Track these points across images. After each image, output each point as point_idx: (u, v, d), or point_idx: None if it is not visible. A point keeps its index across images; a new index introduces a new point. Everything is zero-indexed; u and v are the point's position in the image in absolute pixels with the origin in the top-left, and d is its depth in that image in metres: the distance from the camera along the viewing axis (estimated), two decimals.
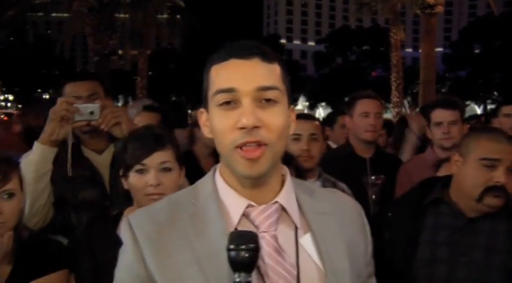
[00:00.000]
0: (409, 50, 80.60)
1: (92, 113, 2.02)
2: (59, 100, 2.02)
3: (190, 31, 21.17)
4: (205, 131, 1.10)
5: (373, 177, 2.68)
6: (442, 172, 2.25)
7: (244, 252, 0.89)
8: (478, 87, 38.37)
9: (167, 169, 1.68)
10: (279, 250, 1.01)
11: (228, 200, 1.05)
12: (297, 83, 57.39)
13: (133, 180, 1.68)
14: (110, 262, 1.09)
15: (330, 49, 50.34)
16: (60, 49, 19.49)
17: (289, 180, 1.11)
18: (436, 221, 1.84)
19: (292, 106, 1.09)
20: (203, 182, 1.11)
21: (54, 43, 19.98)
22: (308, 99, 55.20)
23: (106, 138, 2.21)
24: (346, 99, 3.18)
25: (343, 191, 2.40)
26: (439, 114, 2.73)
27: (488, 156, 1.75)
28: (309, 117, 2.46)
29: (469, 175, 1.78)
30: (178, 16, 21.13)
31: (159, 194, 1.62)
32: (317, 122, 2.44)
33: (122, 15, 20.07)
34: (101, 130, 2.09)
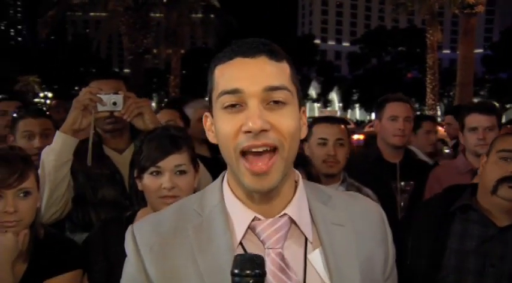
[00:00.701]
0: (447, 51, 78.58)
1: (114, 103, 2.02)
2: (83, 90, 2.04)
3: (225, 30, 21.30)
4: (210, 136, 1.03)
5: (402, 183, 2.57)
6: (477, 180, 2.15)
7: (250, 278, 0.83)
8: None
9: (182, 172, 1.65)
10: (284, 269, 0.95)
11: (234, 212, 0.99)
12: (331, 84, 56.96)
13: (147, 182, 1.66)
14: (123, 263, 1.06)
15: (365, 50, 49.65)
16: (97, 48, 19.93)
17: (301, 187, 1.03)
18: (464, 229, 1.77)
19: (303, 108, 1.02)
20: (211, 190, 1.04)
21: (91, 42, 20.48)
22: (342, 100, 54.62)
23: (127, 138, 2.22)
24: None
25: (369, 196, 2.33)
26: (475, 119, 2.59)
27: (505, 148, 1.73)
28: (335, 121, 2.40)
29: (488, 170, 1.76)
30: (212, 15, 21.23)
31: (173, 197, 1.59)
32: (343, 126, 2.38)
33: (157, 15, 20.37)
34: (122, 121, 2.09)
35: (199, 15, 21.57)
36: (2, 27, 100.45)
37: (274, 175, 0.92)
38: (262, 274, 0.84)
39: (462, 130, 2.66)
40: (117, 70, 48.55)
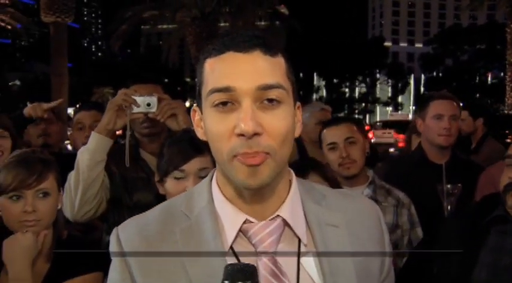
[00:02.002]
0: None
1: (149, 104, 2.05)
2: (119, 91, 2.08)
3: (291, 36, 21.35)
4: (199, 133, 0.98)
5: (449, 186, 2.38)
6: None
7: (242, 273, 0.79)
8: None
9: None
10: (277, 274, 0.90)
11: (224, 214, 0.94)
12: (402, 87, 55.16)
13: (170, 185, 1.65)
14: None
15: (439, 50, 47.51)
16: (166, 58, 20.74)
17: (294, 187, 0.98)
18: (500, 242, 1.58)
19: (298, 104, 0.96)
20: (199, 190, 1.00)
21: (162, 53, 21.38)
22: (414, 104, 52.71)
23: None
24: None
25: (398, 200, 2.24)
26: None
27: (509, 153, 1.61)
28: (340, 121, 2.33)
29: (502, 179, 1.63)
30: (277, 22, 21.36)
31: None
32: (351, 123, 2.31)
33: (222, 24, 20.82)
34: (159, 125, 2.13)
35: (266, 22, 21.80)
36: (85, 44, 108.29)
37: (266, 170, 0.87)
38: None
39: None
40: (188, 79, 50.22)
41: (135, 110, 2.04)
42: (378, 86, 55.23)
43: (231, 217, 0.93)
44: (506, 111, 18.14)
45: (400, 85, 54.33)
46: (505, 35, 18.26)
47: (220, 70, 0.88)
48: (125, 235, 0.96)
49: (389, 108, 57.01)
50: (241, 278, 0.79)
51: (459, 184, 2.38)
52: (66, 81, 13.94)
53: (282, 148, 0.89)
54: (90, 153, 2.00)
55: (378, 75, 53.60)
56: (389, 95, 55.68)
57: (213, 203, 0.95)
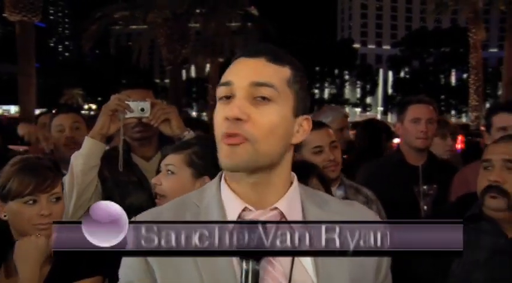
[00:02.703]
0: (494, 49, 75.51)
1: (142, 109, 2.08)
2: (112, 96, 2.11)
3: (264, 38, 21.39)
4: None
5: (425, 187, 2.48)
6: None
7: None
8: None
9: (171, 173, 1.72)
10: (269, 259, 0.97)
11: (227, 202, 1.04)
12: (371, 88, 56.06)
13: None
14: None
15: (406, 52, 48.55)
16: (137, 59, 20.48)
17: (294, 187, 1.06)
18: (475, 239, 1.68)
19: (306, 116, 1.05)
20: (209, 185, 1.10)
21: (133, 54, 21.07)
22: (382, 105, 53.62)
23: (155, 146, 2.27)
24: None
25: (367, 197, 2.31)
26: (503, 119, 2.46)
27: (485, 157, 1.72)
28: (322, 126, 2.35)
29: (478, 181, 1.74)
30: (249, 24, 21.35)
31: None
32: (330, 130, 2.35)
33: (194, 25, 20.67)
34: (151, 129, 2.17)
35: (237, 23, 21.74)
36: (52, 44, 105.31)
37: (243, 153, 0.96)
38: None
39: (489, 130, 2.52)
40: (158, 80, 49.59)
41: (129, 115, 2.07)
42: (347, 87, 55.90)
43: (232, 205, 1.02)
44: (470, 112, 18.77)
45: (368, 86, 55.13)
46: (467, 39, 18.89)
47: (229, 69, 1.03)
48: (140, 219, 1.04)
49: (358, 109, 57.93)
50: None
51: (435, 186, 2.47)
52: (33, 82, 13.55)
53: (265, 141, 0.97)
54: (84, 158, 2.02)
55: (347, 77, 54.24)
56: (358, 96, 56.40)
57: (220, 193, 1.05)
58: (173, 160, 1.71)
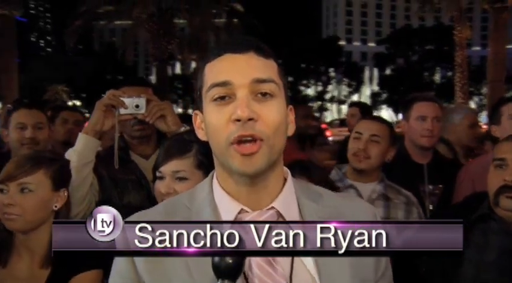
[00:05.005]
0: (477, 48, 76.61)
1: (137, 106, 2.04)
2: (107, 92, 2.07)
3: (249, 34, 21.40)
4: (201, 134, 1.06)
5: (430, 186, 2.46)
6: None
7: (229, 257, 0.83)
8: None
9: (182, 179, 1.61)
10: (270, 261, 0.96)
11: (221, 204, 1.01)
12: (357, 86, 56.49)
13: (155, 186, 1.67)
14: None
15: (391, 50, 48.98)
16: (122, 55, 20.24)
17: (289, 183, 1.04)
18: (484, 239, 1.66)
19: (290, 106, 1.05)
20: (200, 186, 1.08)
21: (117, 50, 20.84)
22: (369, 102, 54.05)
23: (154, 144, 2.24)
24: None
25: (408, 198, 2.27)
26: None
27: (497, 156, 1.69)
28: (375, 118, 2.41)
29: (489, 181, 1.70)
30: (235, 20, 21.28)
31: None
32: (383, 124, 2.34)
33: (180, 21, 20.51)
34: (150, 127, 2.13)
35: (223, 19, 21.66)
36: (33, 39, 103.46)
37: (260, 157, 0.94)
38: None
39: (495, 122, 2.62)
40: (143, 77, 49.24)
41: (123, 111, 2.03)
42: (334, 84, 56.24)
43: (227, 207, 0.99)
44: None
45: (354, 84, 55.57)
46: (452, 37, 19.03)
47: (219, 68, 0.98)
48: None
49: (345, 106, 58.27)
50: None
51: (440, 186, 2.45)
52: (15, 77, 13.38)
53: (275, 137, 0.96)
54: (78, 155, 1.98)
55: (332, 74, 54.55)
56: (344, 93, 56.81)
57: (213, 195, 1.02)
58: (183, 166, 1.60)
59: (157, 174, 1.63)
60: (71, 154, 1.99)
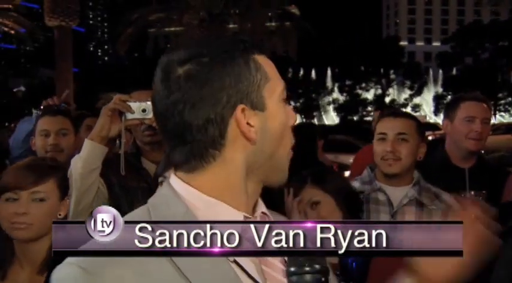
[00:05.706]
0: None
1: (144, 110, 2.00)
2: (114, 97, 2.04)
3: (303, 38, 21.11)
4: (251, 132, 0.93)
5: (472, 192, 2.25)
6: None
7: (310, 275, 0.83)
8: None
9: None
10: (269, 261, 0.97)
11: (215, 216, 0.96)
12: (420, 87, 54.02)
13: None
14: None
15: (457, 48, 46.29)
16: None
17: None
18: None
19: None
20: (163, 202, 1.06)
21: None
22: (432, 104, 51.66)
23: None
24: None
25: (447, 203, 2.10)
26: None
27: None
28: (398, 114, 2.24)
29: None
30: (288, 23, 20.87)
31: None
32: (408, 119, 2.19)
33: (231, 26, 20.38)
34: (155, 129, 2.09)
35: (276, 23, 21.41)
36: (91, 49, 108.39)
37: None
38: (325, 271, 0.84)
39: None
40: None
41: (130, 116, 2.00)
42: (394, 87, 54.24)
43: (228, 216, 0.92)
44: None
45: (416, 86, 53.29)
46: None
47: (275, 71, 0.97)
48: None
49: (407, 110, 55.82)
50: (308, 263, 0.83)
51: (483, 192, 2.20)
52: (71, 87, 13.70)
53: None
54: (83, 161, 1.95)
55: (393, 76, 52.65)
56: (406, 96, 54.59)
57: (191, 210, 0.93)
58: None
59: (160, 179, 1.67)
60: (76, 161, 1.97)
